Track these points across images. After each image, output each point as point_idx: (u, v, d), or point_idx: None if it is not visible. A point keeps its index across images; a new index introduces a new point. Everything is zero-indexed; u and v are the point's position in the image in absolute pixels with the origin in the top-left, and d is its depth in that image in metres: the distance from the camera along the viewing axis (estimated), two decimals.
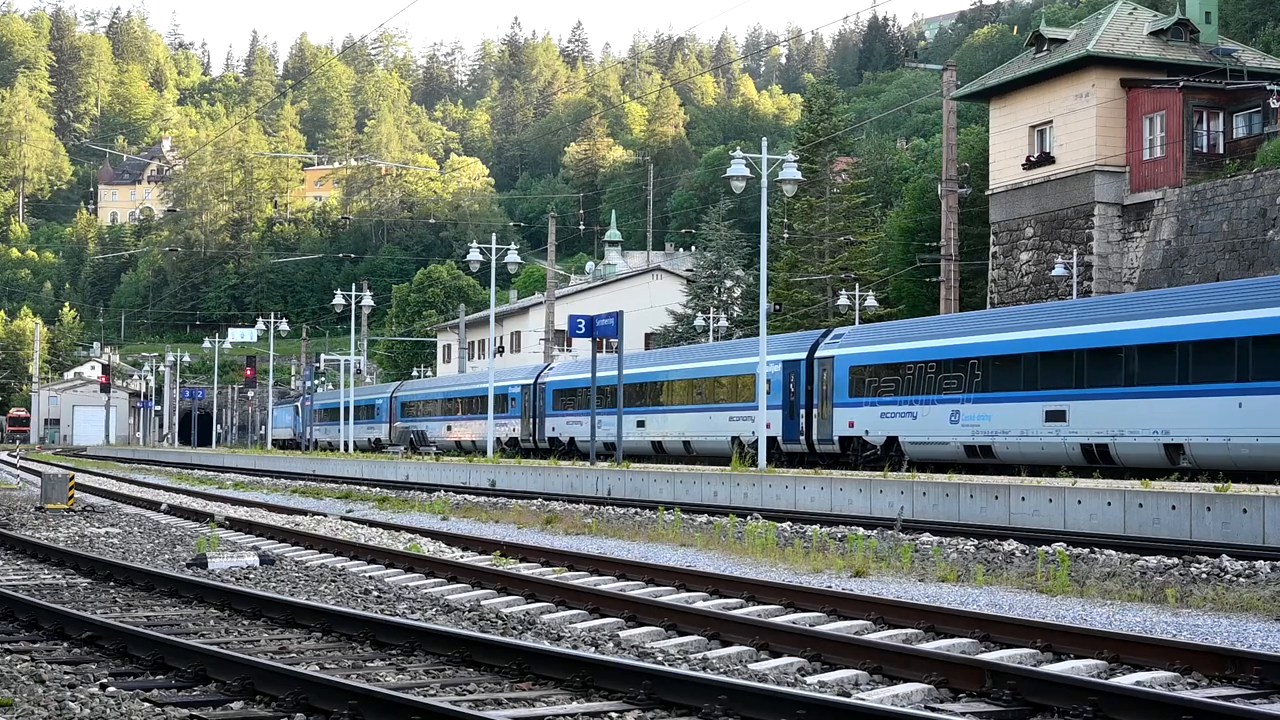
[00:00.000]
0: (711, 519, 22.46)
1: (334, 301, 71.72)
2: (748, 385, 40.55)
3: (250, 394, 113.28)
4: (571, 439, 51.98)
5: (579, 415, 50.11)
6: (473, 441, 62.36)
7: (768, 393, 37.46)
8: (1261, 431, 24.86)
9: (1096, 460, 28.42)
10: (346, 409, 68.73)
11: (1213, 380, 26.00)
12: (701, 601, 13.27)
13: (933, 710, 8.37)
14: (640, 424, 46.80)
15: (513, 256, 49.31)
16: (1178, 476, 24.62)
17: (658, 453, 45.70)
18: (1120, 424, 27.86)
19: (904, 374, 34.04)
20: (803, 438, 37.85)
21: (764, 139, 38.77)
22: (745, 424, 40.41)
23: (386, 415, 76.45)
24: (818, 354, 37.80)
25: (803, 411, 37.91)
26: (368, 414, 78.34)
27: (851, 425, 35.76)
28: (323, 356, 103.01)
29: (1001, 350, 31.33)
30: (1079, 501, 20.12)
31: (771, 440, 38.15)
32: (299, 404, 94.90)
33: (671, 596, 13.60)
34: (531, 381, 57.12)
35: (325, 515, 25.39)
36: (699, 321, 73.59)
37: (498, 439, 56.69)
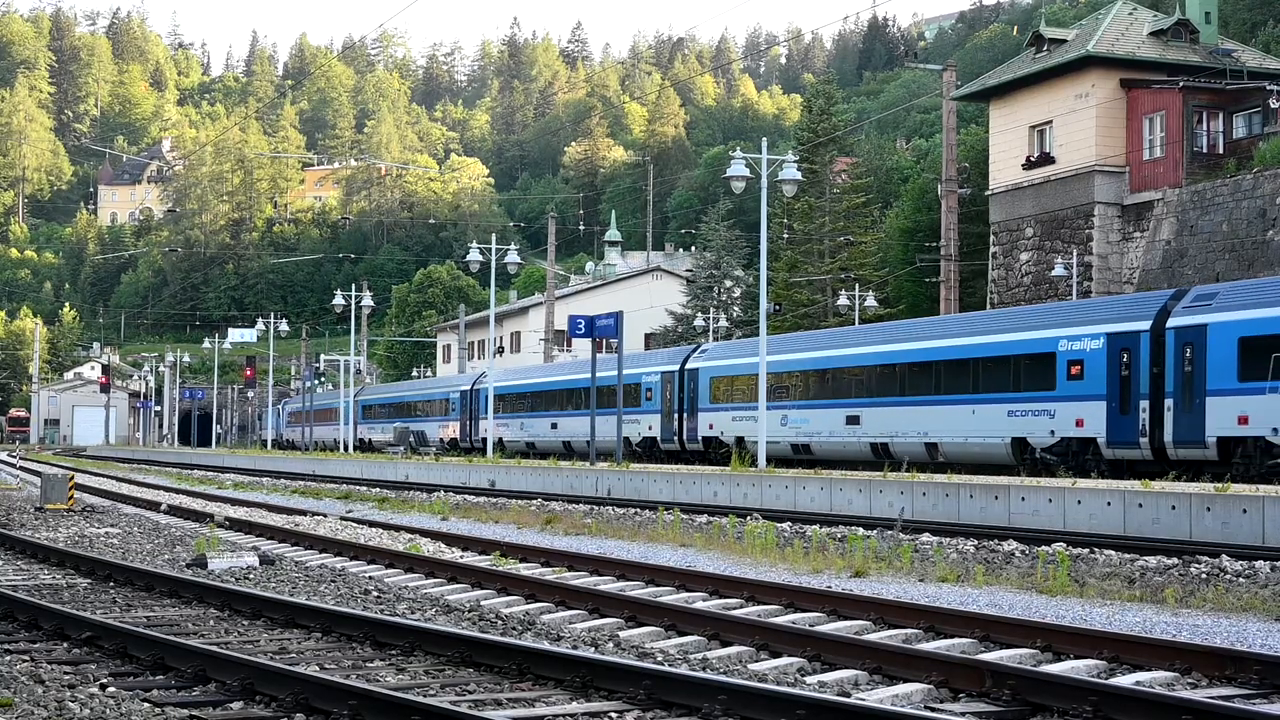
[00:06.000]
0: (711, 519, 22.45)
1: (334, 302, 71.83)
2: (636, 392, 46.49)
3: (250, 394, 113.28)
4: (500, 439, 56.27)
5: (507, 419, 56.82)
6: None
7: (649, 398, 45.11)
8: (987, 433, 31.39)
9: (881, 456, 33.93)
10: (321, 411, 70.72)
11: (956, 392, 32.37)
12: (701, 601, 13.27)
13: (933, 710, 8.37)
14: (554, 426, 53.45)
15: (512, 257, 49.36)
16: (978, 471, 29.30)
17: (568, 451, 50.94)
18: (896, 427, 34.16)
19: (750, 385, 39.00)
20: (676, 438, 44.32)
21: (764, 139, 38.78)
22: (634, 426, 46.11)
23: (349, 417, 77.80)
24: (687, 366, 44.30)
25: (676, 415, 44.44)
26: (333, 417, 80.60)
27: (711, 427, 42.09)
28: (323, 357, 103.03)
29: (817, 366, 38.03)
30: (1079, 501, 20.12)
31: (651, 440, 45.71)
32: (280, 407, 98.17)
33: (671, 596, 13.60)
34: (469, 387, 61.84)
35: (325, 515, 25.39)
36: (699, 321, 73.42)
37: (440, 439, 64.01)
